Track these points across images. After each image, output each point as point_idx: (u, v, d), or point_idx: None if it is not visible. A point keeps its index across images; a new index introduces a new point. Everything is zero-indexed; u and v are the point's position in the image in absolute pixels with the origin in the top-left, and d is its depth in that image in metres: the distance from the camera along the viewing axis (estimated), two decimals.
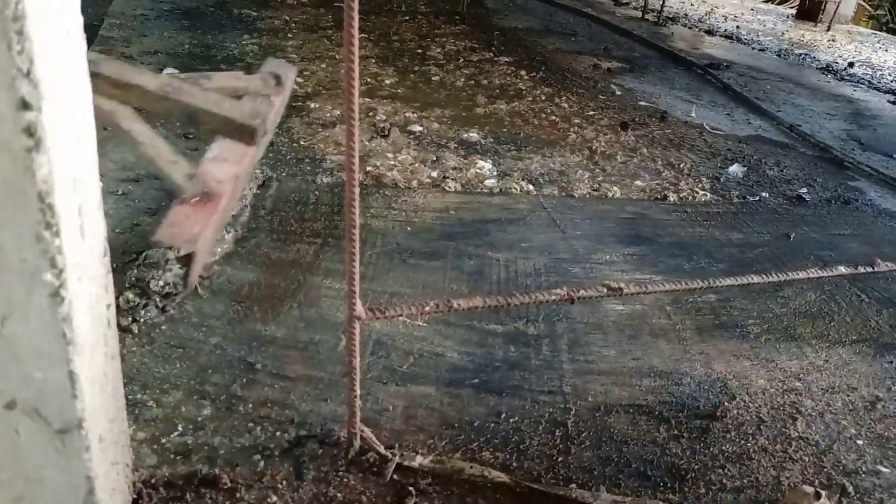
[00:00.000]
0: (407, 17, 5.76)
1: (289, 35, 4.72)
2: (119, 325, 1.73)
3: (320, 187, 2.64)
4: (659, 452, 1.57)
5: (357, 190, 1.18)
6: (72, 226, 0.90)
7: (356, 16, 1.02)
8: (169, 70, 3.70)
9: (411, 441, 1.53)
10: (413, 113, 3.60)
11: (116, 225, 2.21)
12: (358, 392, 1.38)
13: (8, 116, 0.78)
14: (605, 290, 1.45)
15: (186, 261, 1.85)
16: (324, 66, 4.16)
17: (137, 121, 2.03)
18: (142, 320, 1.78)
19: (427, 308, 1.37)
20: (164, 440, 1.45)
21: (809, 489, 1.44)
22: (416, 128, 3.39)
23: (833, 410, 1.77)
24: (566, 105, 4.04)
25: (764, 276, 1.58)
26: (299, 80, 3.86)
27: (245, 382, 1.63)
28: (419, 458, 1.46)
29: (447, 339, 1.88)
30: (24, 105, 0.78)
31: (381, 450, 1.45)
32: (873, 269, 1.71)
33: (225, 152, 2.09)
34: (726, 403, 1.75)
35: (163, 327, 1.78)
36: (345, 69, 1.04)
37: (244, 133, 2.17)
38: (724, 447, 1.61)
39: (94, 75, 1.79)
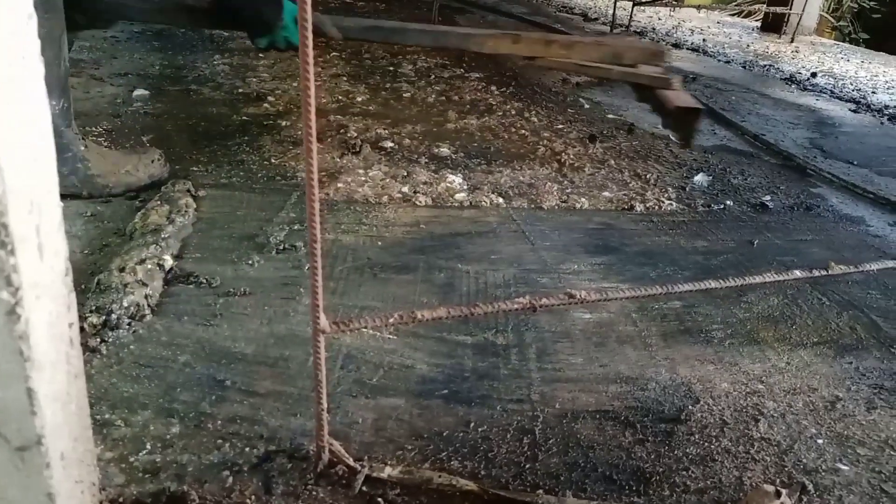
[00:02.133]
0: None
1: (260, 55, 4.75)
2: (87, 346, 1.73)
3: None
4: (624, 457, 1.60)
5: (317, 205, 1.20)
6: (29, 245, 0.91)
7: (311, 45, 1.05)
8: (139, 91, 3.71)
9: (381, 453, 1.54)
10: (384, 129, 3.64)
11: (85, 246, 2.21)
12: (325, 406, 1.40)
13: None
14: (567, 298, 1.48)
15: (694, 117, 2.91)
16: (295, 84, 4.20)
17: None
18: (110, 340, 1.78)
19: (391, 319, 1.39)
20: (132, 459, 1.45)
21: (770, 488, 1.48)
22: (388, 144, 3.43)
23: (794, 411, 1.82)
24: (535, 119, 4.10)
25: (721, 281, 1.63)
26: (271, 98, 3.89)
27: (214, 399, 1.64)
28: (388, 469, 1.47)
29: (417, 350, 1.90)
30: None
31: (350, 462, 1.47)
32: (828, 272, 1.76)
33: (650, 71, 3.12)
34: (690, 407, 1.79)
35: (131, 347, 1.78)
36: (301, 83, 1.07)
37: (656, 55, 3.22)
38: (688, 450, 1.64)
39: (550, 42, 3.20)
